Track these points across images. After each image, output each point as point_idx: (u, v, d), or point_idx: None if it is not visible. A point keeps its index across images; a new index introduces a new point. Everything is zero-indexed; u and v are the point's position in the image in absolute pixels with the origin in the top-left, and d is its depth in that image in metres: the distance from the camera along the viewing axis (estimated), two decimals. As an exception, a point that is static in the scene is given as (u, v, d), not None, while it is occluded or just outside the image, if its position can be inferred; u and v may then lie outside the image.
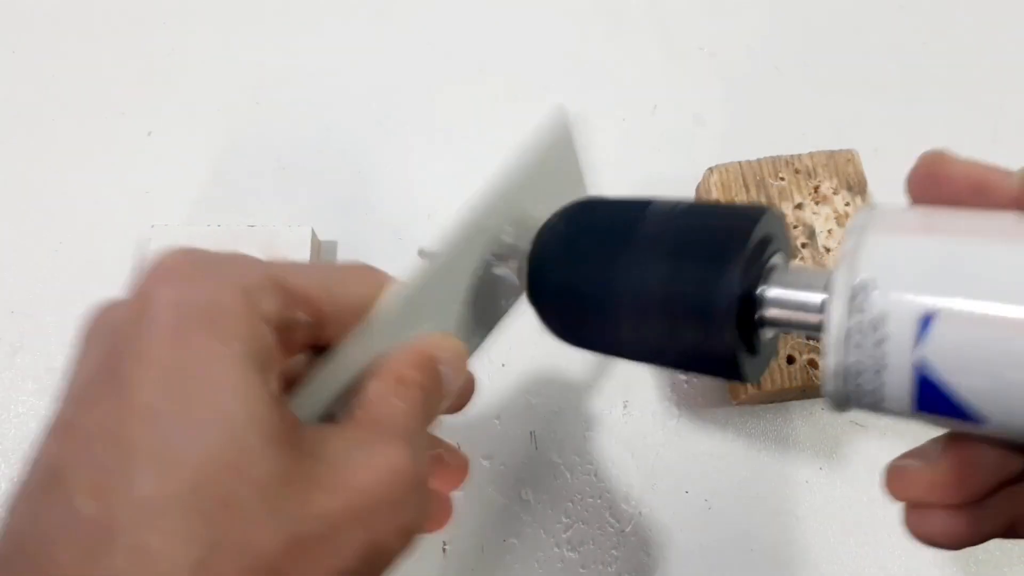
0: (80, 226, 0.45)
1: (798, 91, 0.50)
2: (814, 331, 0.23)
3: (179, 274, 0.20)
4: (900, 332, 0.19)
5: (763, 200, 0.41)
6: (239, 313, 0.19)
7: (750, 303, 0.24)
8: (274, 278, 0.21)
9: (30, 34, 0.50)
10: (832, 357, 0.21)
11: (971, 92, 0.50)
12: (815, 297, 0.23)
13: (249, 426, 0.18)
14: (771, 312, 0.24)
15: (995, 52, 0.51)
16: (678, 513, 0.41)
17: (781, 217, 0.26)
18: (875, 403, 0.21)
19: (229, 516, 0.17)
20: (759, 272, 0.24)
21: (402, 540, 0.21)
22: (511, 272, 0.30)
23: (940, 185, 0.21)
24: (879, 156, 0.47)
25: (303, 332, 0.22)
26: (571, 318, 0.29)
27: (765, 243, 0.25)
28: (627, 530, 0.40)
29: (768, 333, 0.25)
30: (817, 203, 0.42)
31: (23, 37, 0.50)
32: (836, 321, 0.20)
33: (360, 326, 0.23)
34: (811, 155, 0.42)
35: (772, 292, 0.24)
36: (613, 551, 0.40)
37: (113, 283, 0.44)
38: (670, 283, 0.25)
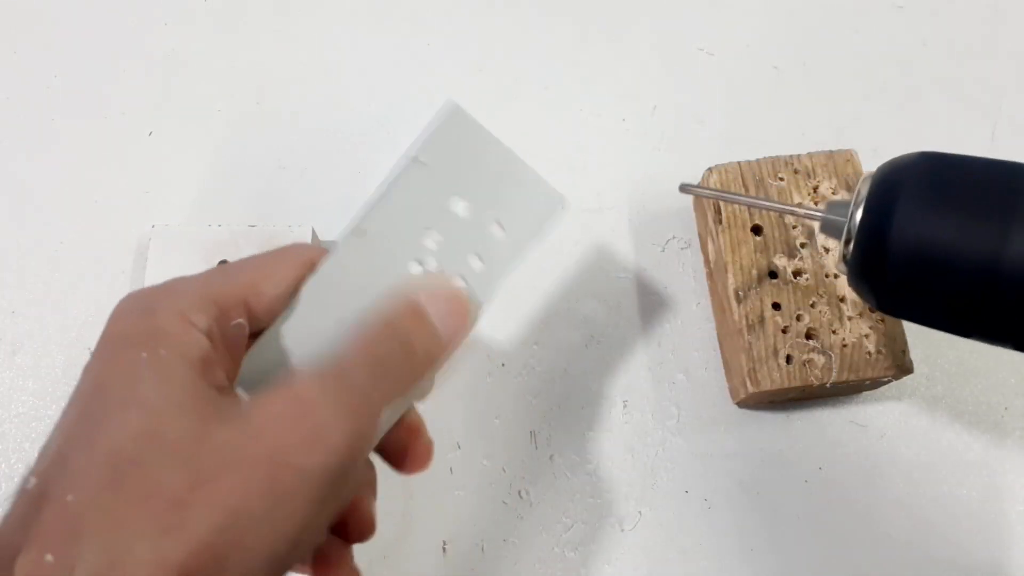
0: (80, 226, 0.45)
1: (797, 91, 0.50)
2: None
3: (124, 312, 0.24)
4: None
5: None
6: (174, 330, 0.23)
7: None
8: (207, 297, 0.24)
9: (30, 34, 0.50)
10: None
11: (970, 92, 0.50)
12: None
13: (163, 404, 0.22)
14: None
15: (994, 52, 0.51)
16: (678, 513, 0.41)
17: None
18: None
19: (137, 468, 0.21)
20: None
21: (313, 457, 0.22)
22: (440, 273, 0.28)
23: None
24: (878, 156, 0.47)
25: (242, 332, 0.25)
26: (928, 284, 0.27)
27: None
28: (627, 530, 0.40)
29: None
30: (816, 203, 0.42)
31: (23, 37, 0.50)
32: None
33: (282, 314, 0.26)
34: (810, 155, 0.42)
35: None
36: (613, 551, 0.40)
37: (113, 283, 0.44)
38: None
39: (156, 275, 0.41)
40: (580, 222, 0.46)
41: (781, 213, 0.38)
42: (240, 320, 0.25)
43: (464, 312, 0.27)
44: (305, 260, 0.27)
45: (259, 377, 0.26)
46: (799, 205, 0.34)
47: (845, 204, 0.31)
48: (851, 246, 0.30)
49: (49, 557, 0.19)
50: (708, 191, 0.36)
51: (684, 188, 0.36)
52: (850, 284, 0.32)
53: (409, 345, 0.25)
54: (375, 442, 0.24)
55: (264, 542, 0.21)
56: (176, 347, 0.23)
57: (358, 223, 0.28)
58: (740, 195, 0.37)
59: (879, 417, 0.43)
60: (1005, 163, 0.28)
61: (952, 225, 0.27)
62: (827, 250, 0.41)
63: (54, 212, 0.45)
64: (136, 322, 0.23)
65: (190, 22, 0.50)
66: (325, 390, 0.23)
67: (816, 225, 0.32)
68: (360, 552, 0.40)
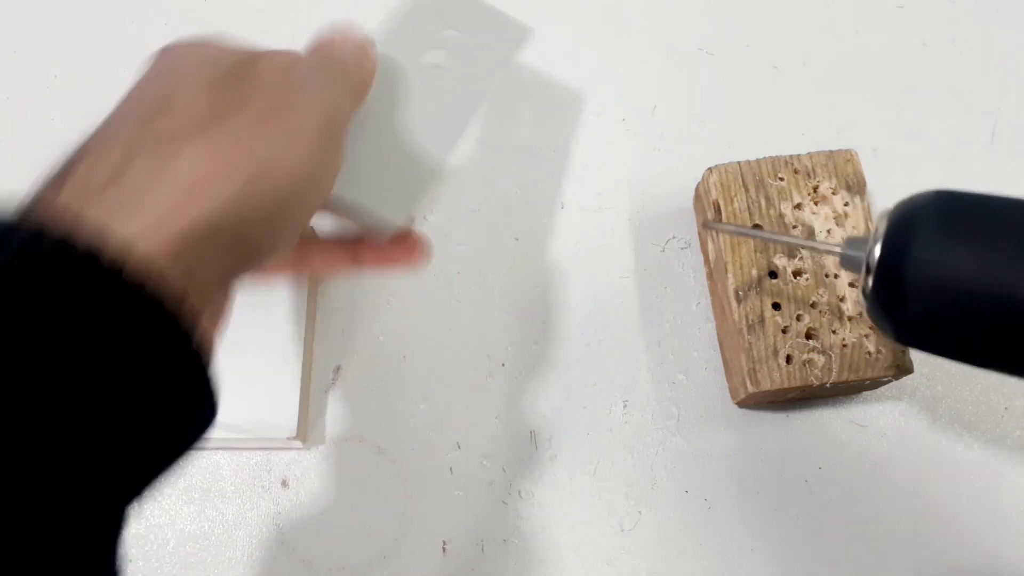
0: (80, 226, 0.45)
1: (797, 91, 0.50)
2: None
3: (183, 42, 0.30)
4: None
5: (762, 200, 0.41)
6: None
7: None
8: None
9: (30, 34, 0.50)
10: None
11: (970, 92, 0.50)
12: None
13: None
14: None
15: (994, 52, 0.51)
16: (678, 513, 0.41)
17: None
18: None
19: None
20: None
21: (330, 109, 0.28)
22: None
23: None
24: (878, 156, 0.47)
25: None
26: (949, 318, 0.28)
27: None
28: (627, 530, 0.41)
29: None
30: (816, 203, 0.42)
31: (23, 37, 0.50)
32: None
33: None
34: (810, 155, 0.42)
35: None
36: (613, 551, 0.40)
37: (113, 283, 0.44)
38: None
39: (156, 275, 0.41)
40: (580, 222, 0.46)
41: (802, 248, 0.40)
42: None
43: (366, 50, 0.32)
44: None
45: None
46: (818, 240, 0.35)
47: (864, 240, 0.32)
48: (871, 280, 0.31)
49: (102, 159, 0.24)
50: (732, 227, 0.37)
51: (708, 225, 0.38)
52: (870, 316, 0.33)
53: (342, 59, 0.31)
54: (350, 120, 0.30)
55: (285, 168, 0.25)
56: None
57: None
58: (763, 232, 0.39)
59: (879, 417, 0.43)
60: (1015, 199, 0.29)
61: (970, 260, 0.28)
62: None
63: (54, 212, 0.45)
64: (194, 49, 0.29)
65: (190, 22, 0.50)
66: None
67: (834, 260, 0.33)
68: (360, 552, 0.40)
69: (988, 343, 0.28)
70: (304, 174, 0.26)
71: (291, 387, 0.40)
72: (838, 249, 0.34)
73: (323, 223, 0.34)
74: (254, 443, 0.40)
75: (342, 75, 0.30)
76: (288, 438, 0.39)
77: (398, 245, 0.34)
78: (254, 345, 0.39)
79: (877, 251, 0.31)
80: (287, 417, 0.39)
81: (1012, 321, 0.27)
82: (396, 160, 0.34)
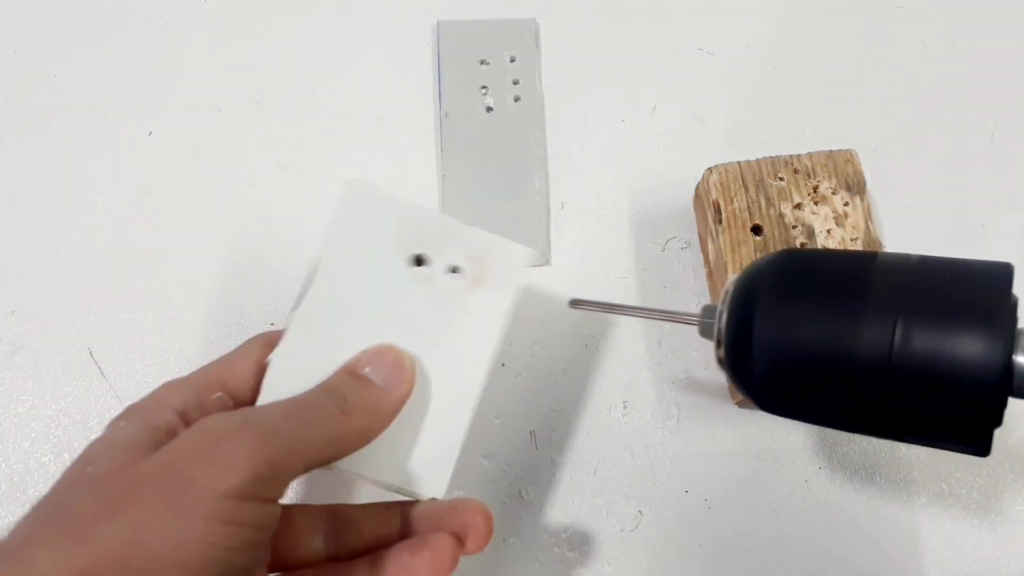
0: (80, 226, 0.45)
1: (798, 91, 0.50)
2: None
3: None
4: None
5: (762, 200, 0.41)
6: (147, 407, 0.29)
7: (1007, 372, 0.23)
8: (186, 383, 0.30)
9: (30, 34, 0.50)
10: None
11: (970, 92, 0.50)
12: None
13: (101, 451, 0.27)
14: None
15: (994, 52, 0.51)
16: (678, 513, 0.41)
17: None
18: None
19: (54, 499, 0.26)
20: (1015, 338, 0.23)
21: (213, 476, 0.25)
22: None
23: None
24: (878, 156, 0.47)
25: (223, 402, 0.31)
26: (792, 382, 0.27)
27: (1015, 304, 0.24)
28: (627, 530, 0.40)
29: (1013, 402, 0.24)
30: (816, 203, 0.42)
31: (23, 37, 0.50)
32: None
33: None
34: (810, 155, 0.42)
35: None
36: (613, 551, 0.40)
37: (113, 284, 0.44)
38: (924, 348, 0.24)
39: (156, 276, 0.41)
40: (580, 222, 0.46)
41: (662, 320, 0.38)
42: (219, 394, 0.30)
43: (402, 364, 0.31)
44: (265, 341, 0.32)
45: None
46: (676, 313, 0.33)
47: (716, 308, 0.31)
48: (723, 349, 0.30)
49: None
50: (595, 305, 0.35)
51: (574, 303, 0.35)
52: (732, 384, 0.31)
53: (341, 397, 0.29)
54: (295, 475, 0.27)
55: (169, 549, 0.24)
56: (141, 417, 0.28)
57: (299, 304, 0.32)
58: (626, 305, 0.37)
59: (879, 417, 0.43)
60: (854, 253, 0.28)
61: (807, 319, 0.27)
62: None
63: (54, 212, 0.45)
64: (128, 411, 0.29)
65: (190, 22, 0.50)
66: (231, 426, 0.26)
67: (697, 328, 0.32)
68: (360, 552, 0.40)
69: (835, 403, 0.27)
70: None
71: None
72: (696, 319, 0.32)
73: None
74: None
75: None
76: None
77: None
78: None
79: (724, 319, 0.30)
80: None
81: (851, 376, 0.26)
82: (420, 426, 0.31)
